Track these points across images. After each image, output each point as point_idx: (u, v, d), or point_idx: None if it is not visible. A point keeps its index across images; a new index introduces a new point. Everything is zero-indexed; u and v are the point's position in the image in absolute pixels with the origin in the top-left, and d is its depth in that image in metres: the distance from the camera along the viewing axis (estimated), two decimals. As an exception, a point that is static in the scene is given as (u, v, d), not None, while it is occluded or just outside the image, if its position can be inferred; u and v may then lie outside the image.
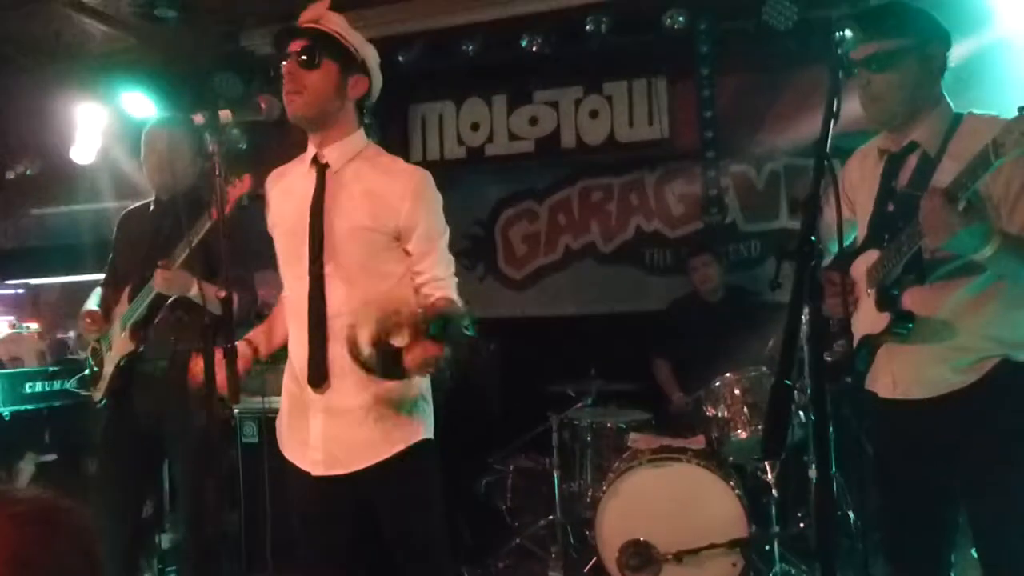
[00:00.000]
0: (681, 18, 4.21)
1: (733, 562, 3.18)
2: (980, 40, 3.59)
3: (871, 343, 1.95)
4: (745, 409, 3.40)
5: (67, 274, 5.72)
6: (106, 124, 4.62)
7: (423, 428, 2.02)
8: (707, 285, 4.21)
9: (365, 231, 1.94)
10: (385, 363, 1.77)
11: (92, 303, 3.04)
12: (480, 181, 5.26)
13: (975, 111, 1.92)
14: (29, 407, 4.11)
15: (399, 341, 1.74)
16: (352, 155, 1.99)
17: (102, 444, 3.03)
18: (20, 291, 6.16)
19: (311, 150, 2.01)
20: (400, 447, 1.96)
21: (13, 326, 5.72)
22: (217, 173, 1.87)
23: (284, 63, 1.94)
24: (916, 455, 1.92)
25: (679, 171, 4.92)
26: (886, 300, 1.88)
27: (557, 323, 5.00)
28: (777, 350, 1.43)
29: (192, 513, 2.93)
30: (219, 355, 1.86)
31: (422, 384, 2.02)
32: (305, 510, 2.05)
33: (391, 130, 5.02)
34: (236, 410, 3.83)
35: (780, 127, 4.50)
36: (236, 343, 1.90)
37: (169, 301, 2.81)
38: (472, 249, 5.24)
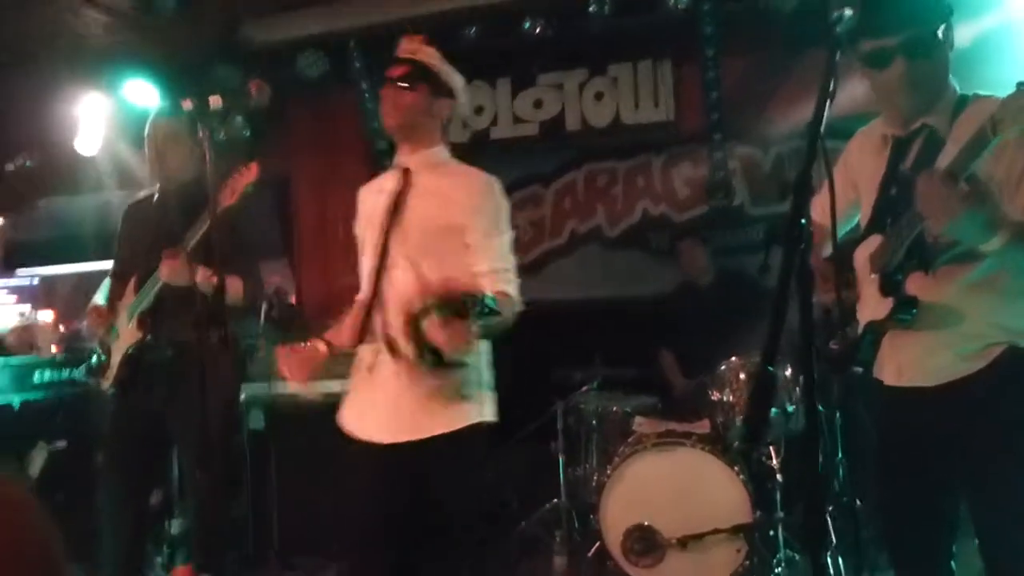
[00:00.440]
0: (684, -2, 4.15)
1: (737, 547, 3.17)
2: (987, 22, 3.54)
3: (876, 330, 1.92)
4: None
5: (81, 262, 5.76)
6: (110, 114, 4.62)
7: (483, 410, 2.20)
8: (695, 269, 4.19)
9: (434, 224, 2.20)
10: (424, 352, 1.97)
11: (100, 297, 3.08)
12: (485, 165, 5.21)
13: (980, 93, 1.87)
14: (39, 396, 4.14)
15: (428, 329, 1.92)
16: (434, 164, 2.29)
17: (109, 432, 3.07)
18: (35, 281, 6.20)
19: (400, 159, 2.30)
20: (460, 424, 2.15)
21: (23, 315, 5.75)
22: (208, 159, 1.89)
23: (385, 86, 2.26)
24: (918, 445, 1.90)
25: (685, 154, 4.87)
26: (889, 285, 1.85)
27: (563, 308, 4.98)
28: (794, 334, 1.38)
29: (199, 500, 2.96)
30: (321, 346, 2.18)
31: (483, 368, 2.22)
32: (365, 482, 2.20)
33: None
34: (242, 396, 3.86)
35: (787, 108, 4.44)
36: (313, 340, 2.18)
37: (175, 290, 2.81)
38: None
